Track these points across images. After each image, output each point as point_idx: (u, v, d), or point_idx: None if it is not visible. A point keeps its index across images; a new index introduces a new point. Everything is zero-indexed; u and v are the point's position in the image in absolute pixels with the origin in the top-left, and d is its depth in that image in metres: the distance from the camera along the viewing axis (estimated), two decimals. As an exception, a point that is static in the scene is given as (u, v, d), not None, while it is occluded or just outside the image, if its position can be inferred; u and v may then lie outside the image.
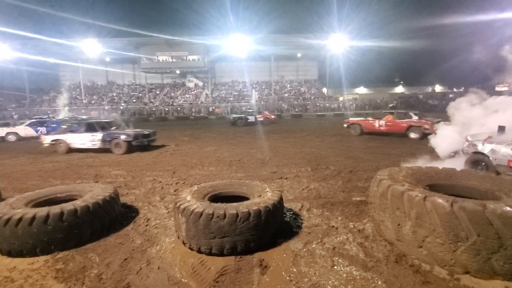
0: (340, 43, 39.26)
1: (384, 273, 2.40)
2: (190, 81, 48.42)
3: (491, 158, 4.79)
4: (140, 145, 9.63)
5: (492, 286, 2.16)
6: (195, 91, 46.64)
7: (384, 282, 2.28)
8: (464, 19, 33.51)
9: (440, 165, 3.84)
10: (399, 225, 2.67)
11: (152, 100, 43.70)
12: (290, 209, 3.92)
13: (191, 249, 2.83)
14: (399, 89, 57.43)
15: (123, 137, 9.35)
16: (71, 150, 9.98)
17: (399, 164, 6.09)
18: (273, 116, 25.01)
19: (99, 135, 9.62)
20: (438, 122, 9.50)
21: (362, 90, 56.85)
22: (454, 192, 3.03)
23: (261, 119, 22.70)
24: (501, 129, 5.04)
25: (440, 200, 2.38)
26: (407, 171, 3.33)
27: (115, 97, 44.68)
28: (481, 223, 2.19)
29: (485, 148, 4.90)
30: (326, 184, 5.14)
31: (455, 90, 44.26)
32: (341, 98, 44.65)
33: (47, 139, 10.23)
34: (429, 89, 54.17)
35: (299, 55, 47.87)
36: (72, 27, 39.31)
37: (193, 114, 36.70)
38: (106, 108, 37.96)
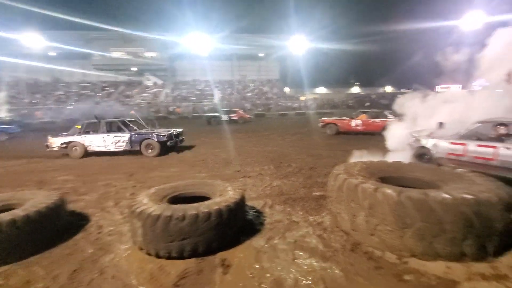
0: (301, 44, 40.64)
1: (341, 262, 2.52)
2: (148, 79, 46.21)
3: (433, 152, 5.30)
4: (174, 146, 8.85)
5: (435, 267, 2.37)
6: (154, 90, 44.67)
7: (341, 270, 2.39)
8: (411, 26, 36.89)
9: (390, 158, 4.14)
10: (354, 215, 2.82)
11: (106, 99, 40.84)
12: (253, 207, 3.92)
13: (149, 254, 2.68)
14: (355, 89, 61.03)
15: (156, 137, 8.40)
16: (88, 154, 8.69)
17: (354, 159, 6.45)
18: (248, 115, 24.58)
19: (126, 136, 8.55)
20: None
21: (322, 90, 59.29)
22: (403, 183, 3.27)
23: (236, 117, 22.30)
24: (441, 125, 5.59)
25: (389, 191, 2.56)
26: (361, 165, 3.53)
27: (62, 96, 40.93)
28: (424, 210, 2.39)
29: (428, 143, 5.41)
30: (288, 181, 5.25)
31: (403, 90, 48.31)
32: (302, 98, 46.14)
33: (56, 142, 8.71)
34: (381, 90, 58.43)
35: (261, 55, 48.47)
36: (9, 16, 35.06)
37: (152, 114, 35.06)
38: (52, 107, 34.57)
